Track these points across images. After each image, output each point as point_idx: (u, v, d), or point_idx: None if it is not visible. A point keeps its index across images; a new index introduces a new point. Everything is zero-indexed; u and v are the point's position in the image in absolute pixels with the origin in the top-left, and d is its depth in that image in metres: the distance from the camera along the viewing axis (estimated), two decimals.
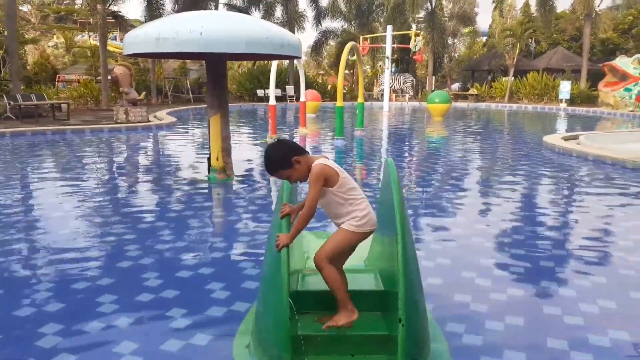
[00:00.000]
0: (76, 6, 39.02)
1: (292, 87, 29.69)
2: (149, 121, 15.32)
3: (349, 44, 12.37)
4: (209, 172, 7.44)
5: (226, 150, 7.41)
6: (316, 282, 2.91)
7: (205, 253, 4.35)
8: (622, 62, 22.77)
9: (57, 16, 38.35)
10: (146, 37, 5.93)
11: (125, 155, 10.58)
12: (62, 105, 16.66)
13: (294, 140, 11.75)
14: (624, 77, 22.34)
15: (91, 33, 30.28)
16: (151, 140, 12.90)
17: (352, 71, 35.59)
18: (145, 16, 27.04)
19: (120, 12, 24.02)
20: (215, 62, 7.08)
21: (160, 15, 26.63)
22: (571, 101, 26.25)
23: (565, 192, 6.99)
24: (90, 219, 5.34)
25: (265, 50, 6.24)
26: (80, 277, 3.73)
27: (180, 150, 10.90)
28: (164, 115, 17.56)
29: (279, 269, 2.43)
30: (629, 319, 3.15)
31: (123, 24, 23.85)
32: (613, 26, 32.54)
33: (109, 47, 24.50)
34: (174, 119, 16.51)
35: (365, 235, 2.61)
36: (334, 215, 2.61)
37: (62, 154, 10.24)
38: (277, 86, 28.65)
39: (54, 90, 22.68)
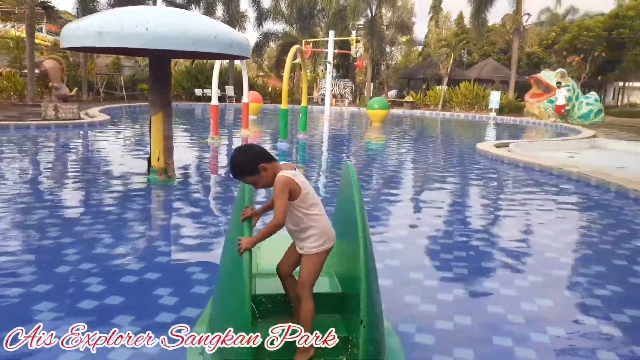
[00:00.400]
0: None
1: (232, 87, 29.32)
2: (80, 118, 14.55)
3: (294, 47, 12.38)
4: (148, 173, 7.17)
5: (168, 151, 7.18)
6: (271, 286, 2.89)
7: (149, 257, 4.19)
8: (547, 75, 24.33)
9: None
10: (88, 29, 5.63)
11: (56, 154, 9.98)
12: None
13: (247, 143, 11.58)
14: (547, 89, 23.88)
15: (15, 23, 28.33)
16: (84, 138, 12.26)
17: (292, 74, 35.65)
18: (77, 8, 25.77)
19: (50, 2, 22.65)
20: (159, 59, 6.85)
21: (94, 9, 25.44)
22: (500, 110, 27.70)
23: (500, 196, 7.36)
24: (21, 222, 5.00)
25: (213, 49, 6.12)
26: (14, 284, 3.48)
27: (116, 149, 10.44)
28: (96, 113, 16.77)
29: (240, 273, 2.39)
30: (564, 316, 3.36)
31: (53, 15, 22.51)
32: (538, 41, 34.76)
33: (35, 39, 23.07)
34: (106, 117, 15.82)
35: (328, 252, 2.61)
36: (291, 226, 2.58)
37: None
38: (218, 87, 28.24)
39: None
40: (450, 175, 8.83)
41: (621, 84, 41.45)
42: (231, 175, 2.58)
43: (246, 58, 7.18)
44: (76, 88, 17.78)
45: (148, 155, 7.19)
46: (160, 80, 6.94)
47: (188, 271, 3.90)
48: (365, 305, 2.42)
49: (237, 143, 12.45)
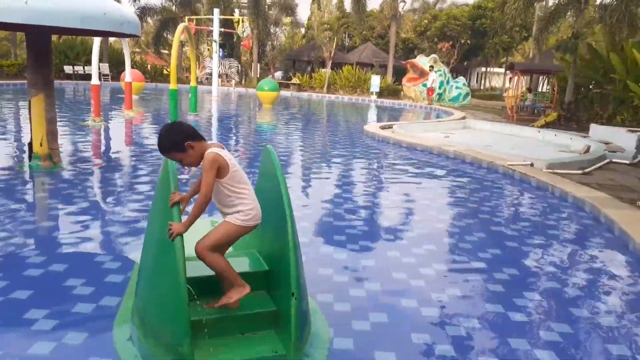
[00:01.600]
0: None
1: (107, 65, 27.33)
2: None
3: (181, 25, 11.96)
4: (30, 160, 6.59)
5: (52, 135, 6.65)
6: (198, 269, 2.95)
7: (51, 249, 3.96)
8: (421, 61, 26.15)
9: None
10: None
11: None
12: None
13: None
14: (422, 73, 25.70)
15: None
16: None
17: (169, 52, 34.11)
18: None
19: None
20: (38, 36, 6.28)
21: None
22: (380, 93, 29.24)
23: (388, 174, 7.95)
24: None
25: (103, 27, 5.75)
26: None
27: None
28: None
29: (173, 257, 2.42)
30: (478, 305, 3.82)
31: None
32: (413, 27, 37.08)
33: None
34: None
35: (249, 229, 2.68)
36: (220, 204, 2.65)
37: None
38: (87, 63, 26.10)
39: None
40: (341, 155, 9.28)
41: (483, 69, 45.90)
42: (159, 151, 2.57)
43: (137, 37, 6.86)
44: None
45: (29, 140, 6.59)
46: (40, 59, 6.37)
47: (97, 260, 3.77)
48: (295, 279, 2.60)
49: (121, 125, 11.80)
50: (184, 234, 2.44)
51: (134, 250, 3.91)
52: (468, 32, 35.43)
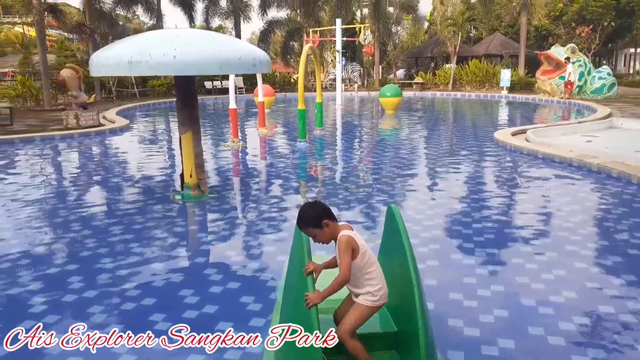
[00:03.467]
0: None
1: (242, 78, 29.39)
2: (100, 125, 14.84)
3: (307, 46, 12.48)
4: (182, 189, 7.44)
5: (199, 167, 7.42)
6: (330, 326, 3.14)
7: (204, 288, 4.43)
8: (557, 51, 24.12)
9: None
10: (119, 60, 5.84)
11: (84, 167, 10.26)
12: (2, 109, 15.75)
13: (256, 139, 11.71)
14: (558, 65, 23.70)
15: (21, 23, 28.55)
16: (107, 148, 12.54)
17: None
18: (83, 9, 25.87)
19: (57, 4, 22.79)
20: (185, 80, 7.05)
21: (100, 9, 25.54)
22: (511, 88, 27.55)
23: (523, 196, 7.52)
24: (63, 242, 5.28)
25: (238, 71, 6.34)
26: (66, 290, 3.77)
27: (143, 159, 10.69)
28: (114, 117, 17.05)
29: (308, 320, 2.62)
30: (612, 339, 3.57)
31: (61, 18, 22.64)
32: (546, 13, 34.25)
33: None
34: (126, 121, 16.08)
35: (378, 308, 2.84)
36: (350, 285, 2.82)
37: (16, 167, 9.83)
38: (224, 78, 28.34)
39: None
40: (467, 171, 8.97)
41: (632, 50, 40.87)
42: (296, 225, 2.83)
43: (268, 72, 7.35)
44: (94, 94, 18.02)
45: (181, 172, 7.43)
46: (187, 99, 7.15)
47: (242, 302, 4.14)
48: (424, 344, 2.65)
49: (256, 144, 12.66)
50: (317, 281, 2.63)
51: (275, 289, 4.25)
52: (612, 13, 31.77)
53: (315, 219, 2.73)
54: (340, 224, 2.81)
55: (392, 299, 3.26)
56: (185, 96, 7.16)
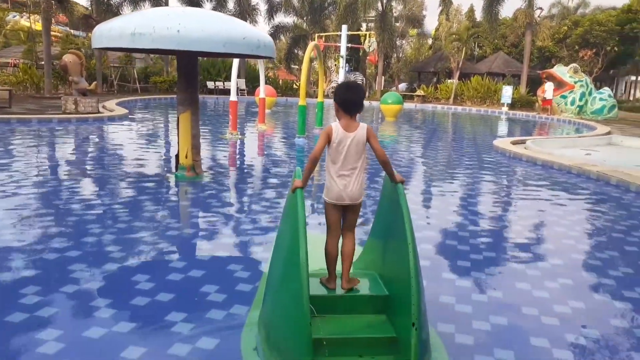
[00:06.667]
0: None
1: (244, 80, 29.42)
2: (99, 112, 14.76)
3: (312, 44, 12.48)
4: (176, 170, 7.34)
5: (195, 148, 7.34)
6: (320, 288, 3.05)
7: (191, 255, 4.35)
8: (560, 70, 24.25)
9: None
10: (122, 31, 5.78)
11: (80, 149, 10.17)
12: (1, 92, 15.67)
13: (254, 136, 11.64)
14: (560, 84, 23.81)
15: (29, 14, 28.57)
16: (105, 132, 12.46)
17: (299, 67, 35.67)
18: (91, 1, 25.94)
19: None
20: (188, 59, 6.99)
21: (108, 2, 25.60)
22: (512, 105, 27.64)
23: (522, 197, 7.47)
24: (63, 218, 5.17)
25: (242, 51, 6.26)
26: (68, 281, 3.66)
27: (140, 145, 10.62)
28: (113, 106, 16.98)
29: (297, 274, 2.53)
30: (621, 355, 3.47)
31: (68, 8, 22.67)
32: (550, 35, 34.52)
33: None
34: (125, 110, 16.01)
35: (332, 206, 2.96)
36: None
37: (13, 146, 9.72)
38: (226, 79, 28.37)
39: None
40: (469, 173, 8.92)
41: (633, 78, 41.16)
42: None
43: (272, 58, 7.30)
44: (95, 82, 17.97)
45: (176, 152, 7.34)
46: (188, 80, 7.08)
47: (230, 269, 4.05)
48: (416, 308, 2.56)
49: (254, 138, 12.60)
50: (308, 252, 2.56)
51: (263, 261, 4.17)
52: (615, 38, 32.02)
53: (337, 97, 2.93)
54: (357, 122, 2.94)
55: (384, 264, 3.19)
56: (187, 76, 7.09)
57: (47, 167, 8.07)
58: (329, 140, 2.87)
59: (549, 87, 24.11)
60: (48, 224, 4.95)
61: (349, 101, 2.90)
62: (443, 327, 3.22)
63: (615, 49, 32.60)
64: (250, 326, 3.11)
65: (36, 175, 7.22)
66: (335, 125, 2.89)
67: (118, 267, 3.96)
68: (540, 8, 31.51)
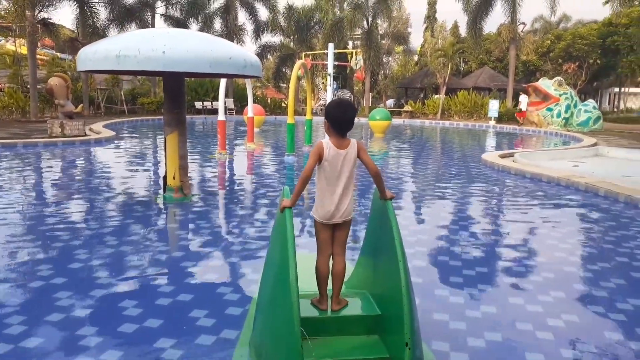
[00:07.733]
0: None
1: (232, 99, 29.45)
2: (86, 135, 14.65)
3: (299, 62, 12.55)
4: (164, 191, 7.26)
5: (183, 169, 7.27)
6: (311, 309, 2.99)
7: (180, 279, 4.27)
8: (544, 84, 24.60)
9: None
10: (107, 53, 5.75)
11: (67, 172, 10.04)
12: None
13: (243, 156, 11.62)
14: (545, 97, 24.13)
15: (10, 38, 28.50)
16: (92, 155, 12.34)
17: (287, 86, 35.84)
18: (77, 24, 25.94)
19: (50, 19, 22.83)
20: (174, 80, 6.96)
21: (94, 25, 25.64)
22: (499, 119, 27.93)
23: (511, 208, 7.48)
24: (49, 243, 5.07)
25: (228, 71, 6.25)
26: (55, 309, 3.56)
27: (127, 167, 10.53)
28: (100, 129, 16.87)
29: (288, 297, 2.47)
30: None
31: (53, 32, 22.65)
32: (534, 49, 35.12)
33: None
34: (112, 133, 15.91)
35: (323, 224, 2.91)
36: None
37: None
38: (214, 99, 28.38)
39: None
40: (458, 188, 8.94)
41: (616, 89, 41.90)
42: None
43: (258, 77, 7.30)
44: (81, 104, 17.88)
45: (164, 174, 7.27)
46: (175, 100, 7.04)
47: (219, 292, 3.97)
48: (409, 327, 2.52)
49: (243, 157, 12.56)
50: (298, 273, 2.51)
51: (253, 283, 4.09)
52: (597, 51, 32.64)
53: (328, 115, 2.89)
54: (347, 139, 2.93)
55: (375, 283, 3.14)
56: (173, 97, 7.05)
57: (32, 192, 7.95)
58: (320, 159, 2.82)
59: (523, 99, 25.64)
60: (33, 250, 4.85)
61: (341, 119, 2.86)
62: (437, 345, 3.16)
63: (598, 61, 33.21)
64: (240, 350, 3.03)
65: (21, 201, 7.11)
66: (326, 142, 2.84)
67: (105, 293, 3.87)
68: (523, 23, 32.08)
